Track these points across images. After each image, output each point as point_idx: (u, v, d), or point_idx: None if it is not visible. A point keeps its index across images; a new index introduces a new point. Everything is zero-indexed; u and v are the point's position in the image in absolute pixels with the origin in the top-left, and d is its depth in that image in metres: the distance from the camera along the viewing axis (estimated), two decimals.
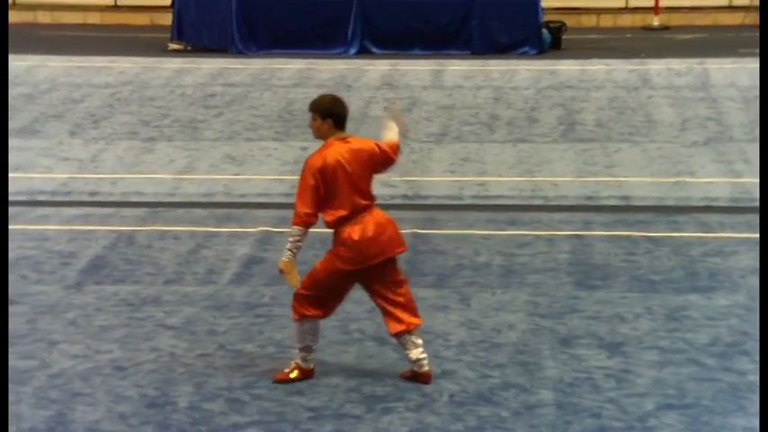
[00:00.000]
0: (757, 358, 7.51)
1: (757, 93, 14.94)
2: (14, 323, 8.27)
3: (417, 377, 7.27)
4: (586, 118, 14.88)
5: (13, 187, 11.98)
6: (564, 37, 20.07)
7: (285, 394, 7.16)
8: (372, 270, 7.14)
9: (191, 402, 7.07)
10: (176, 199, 11.54)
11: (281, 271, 7.15)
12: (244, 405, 7.04)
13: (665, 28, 21.97)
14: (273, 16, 19.72)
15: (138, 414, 6.93)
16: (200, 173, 12.44)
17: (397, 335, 7.22)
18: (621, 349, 7.84)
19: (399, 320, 7.17)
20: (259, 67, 18.06)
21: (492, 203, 11.50)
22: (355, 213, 7.07)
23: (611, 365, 7.58)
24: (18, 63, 18.22)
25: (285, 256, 7.09)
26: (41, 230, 10.51)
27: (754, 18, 21.09)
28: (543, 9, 19.75)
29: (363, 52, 19.50)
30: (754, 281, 8.99)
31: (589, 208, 11.33)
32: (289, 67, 18.04)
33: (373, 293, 7.26)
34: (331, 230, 7.18)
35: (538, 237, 10.31)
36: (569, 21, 21.18)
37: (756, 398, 6.96)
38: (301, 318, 7.22)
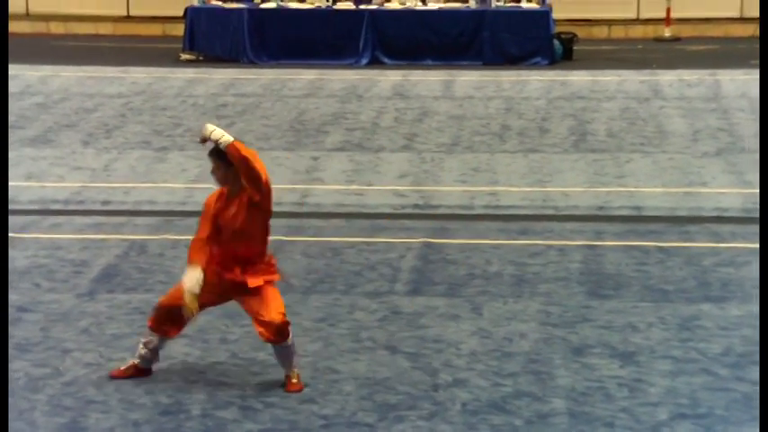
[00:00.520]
0: None
1: None
2: (28, 331, 8.31)
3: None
4: (598, 128, 14.88)
5: (26, 196, 12.04)
6: (575, 48, 20.08)
7: (297, 402, 7.17)
8: None
9: (203, 410, 7.08)
10: (188, 208, 11.56)
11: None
12: (256, 413, 7.05)
13: (676, 39, 21.98)
14: (285, 26, 19.76)
15: (151, 421, 6.94)
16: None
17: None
18: (634, 358, 7.84)
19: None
20: (270, 78, 18.10)
21: (503, 213, 11.51)
22: None
23: (623, 375, 7.58)
24: (31, 73, 18.31)
25: None
26: (54, 239, 10.54)
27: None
28: (555, 20, 19.77)
29: (375, 63, 19.53)
30: None
31: (600, 218, 11.33)
32: (300, 78, 18.08)
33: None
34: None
35: (549, 246, 10.31)
36: (581, 32, 21.21)
37: None
38: None
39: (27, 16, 23.87)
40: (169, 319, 7.34)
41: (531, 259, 9.96)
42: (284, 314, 7.24)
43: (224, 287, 7.26)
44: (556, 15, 19.90)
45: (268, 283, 7.26)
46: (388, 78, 18.06)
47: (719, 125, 14.89)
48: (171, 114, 15.75)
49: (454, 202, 11.90)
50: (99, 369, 7.64)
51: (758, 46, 20.09)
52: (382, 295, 9.06)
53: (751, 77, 17.42)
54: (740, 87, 16.88)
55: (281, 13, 19.99)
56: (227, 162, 7.14)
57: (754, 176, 12.57)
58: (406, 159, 13.50)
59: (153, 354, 7.45)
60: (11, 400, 7.17)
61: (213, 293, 7.28)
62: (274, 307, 7.20)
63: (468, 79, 17.98)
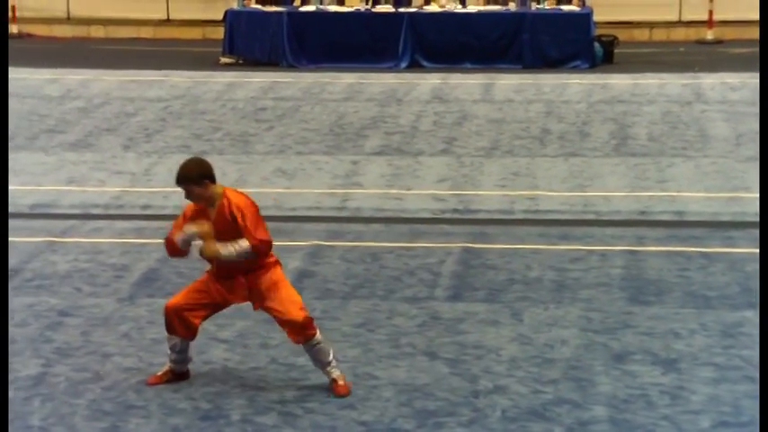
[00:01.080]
0: None
1: None
2: (68, 335, 8.34)
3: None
4: (639, 132, 14.78)
5: (66, 200, 12.11)
6: (616, 51, 19.97)
7: (337, 408, 7.15)
8: None
9: (243, 415, 7.08)
10: None
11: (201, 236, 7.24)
12: (296, 418, 7.04)
13: (718, 42, 21.81)
14: (324, 30, 19.80)
15: (191, 427, 6.95)
16: (252, 186, 12.47)
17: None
18: (676, 366, 7.76)
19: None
20: (310, 81, 18.13)
21: (543, 218, 11.45)
22: None
23: (665, 382, 7.51)
24: (72, 77, 18.43)
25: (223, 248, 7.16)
26: (95, 243, 10.59)
27: None
28: (595, 23, 19.67)
29: (414, 66, 19.52)
30: None
31: (642, 223, 11.25)
32: (339, 81, 18.09)
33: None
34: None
35: (590, 252, 10.24)
36: (622, 35, 21.09)
37: None
38: None
39: (68, 20, 24.05)
40: (177, 319, 7.36)
41: (572, 264, 9.90)
42: (303, 308, 7.26)
43: (237, 293, 7.34)
44: (596, 18, 19.81)
45: (278, 281, 7.27)
46: (428, 82, 18.03)
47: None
48: (210, 118, 15.80)
49: (494, 207, 11.85)
50: (139, 374, 7.66)
51: None
52: (422, 301, 9.03)
53: None
54: None
55: (320, 16, 20.03)
56: (195, 180, 7.25)
57: None
58: (446, 163, 13.47)
59: (182, 355, 7.45)
60: (51, 405, 7.21)
61: (222, 297, 7.38)
62: (291, 304, 7.22)
63: (508, 83, 17.92)
